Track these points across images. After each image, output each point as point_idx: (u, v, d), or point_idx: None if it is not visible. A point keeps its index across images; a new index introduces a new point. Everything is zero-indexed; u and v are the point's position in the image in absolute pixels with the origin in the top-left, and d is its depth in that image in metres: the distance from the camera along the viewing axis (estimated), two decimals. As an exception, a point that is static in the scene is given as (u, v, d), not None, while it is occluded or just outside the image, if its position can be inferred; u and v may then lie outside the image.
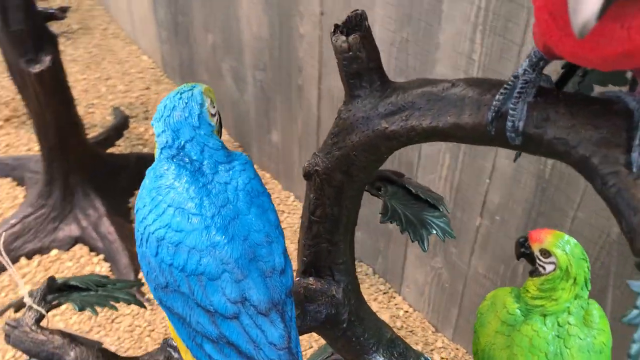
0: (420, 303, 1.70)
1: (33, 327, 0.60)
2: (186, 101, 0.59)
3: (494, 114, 0.50)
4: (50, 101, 1.65)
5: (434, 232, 0.75)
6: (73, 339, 0.60)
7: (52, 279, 0.66)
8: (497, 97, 0.50)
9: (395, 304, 1.74)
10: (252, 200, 0.57)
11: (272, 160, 2.13)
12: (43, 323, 0.62)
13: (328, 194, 0.66)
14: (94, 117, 2.49)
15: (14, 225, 1.82)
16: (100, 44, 2.98)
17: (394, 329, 1.65)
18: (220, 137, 0.64)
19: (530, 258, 0.80)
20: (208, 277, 0.54)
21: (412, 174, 1.50)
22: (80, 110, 2.48)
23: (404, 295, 1.75)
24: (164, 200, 0.56)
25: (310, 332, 0.73)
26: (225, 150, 0.60)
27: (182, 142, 0.57)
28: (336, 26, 0.59)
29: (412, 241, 0.74)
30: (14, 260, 1.79)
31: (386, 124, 0.57)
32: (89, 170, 1.90)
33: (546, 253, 0.78)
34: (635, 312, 0.47)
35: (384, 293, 1.77)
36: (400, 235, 1.62)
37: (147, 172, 0.59)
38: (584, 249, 0.79)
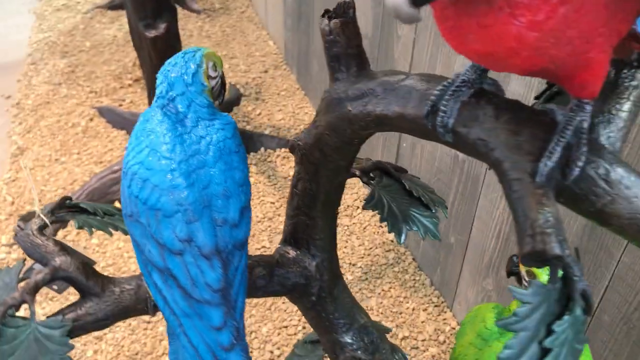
0: (467, 322, 1.67)
1: (35, 232, 0.71)
2: (186, 60, 0.66)
3: (429, 109, 0.52)
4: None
5: (415, 229, 0.76)
6: (64, 248, 0.70)
7: (65, 198, 0.76)
8: (434, 92, 0.52)
9: (444, 319, 1.72)
10: (221, 156, 0.63)
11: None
12: (47, 233, 0.72)
13: (307, 169, 0.70)
14: (212, 90, 2.67)
15: (115, 172, 2.03)
16: (234, 24, 3.19)
17: (437, 343, 1.64)
18: (221, 98, 0.71)
19: (518, 277, 0.79)
20: (163, 214, 0.61)
21: (476, 189, 1.49)
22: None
23: (455, 311, 1.73)
24: (144, 141, 0.63)
25: (278, 295, 0.78)
26: (211, 110, 0.66)
27: (174, 95, 0.65)
28: (326, 11, 0.63)
29: (389, 232, 0.76)
30: (111, 203, 2.00)
31: (350, 107, 0.60)
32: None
33: (532, 275, 0.77)
34: (513, 318, 0.47)
35: (436, 306, 1.76)
36: (461, 249, 1.61)
37: (140, 115, 0.67)
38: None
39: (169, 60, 0.68)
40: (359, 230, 2.00)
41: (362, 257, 1.90)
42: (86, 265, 0.70)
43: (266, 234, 1.96)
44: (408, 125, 0.55)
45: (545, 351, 0.48)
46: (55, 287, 0.81)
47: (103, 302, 0.70)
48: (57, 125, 2.41)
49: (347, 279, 1.83)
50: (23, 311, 0.66)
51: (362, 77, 0.61)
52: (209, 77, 0.67)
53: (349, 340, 0.81)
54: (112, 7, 3.26)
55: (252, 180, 2.15)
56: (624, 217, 0.48)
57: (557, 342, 0.48)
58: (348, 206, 2.08)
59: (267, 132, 2.41)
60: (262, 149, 2.32)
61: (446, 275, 1.73)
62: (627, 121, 0.52)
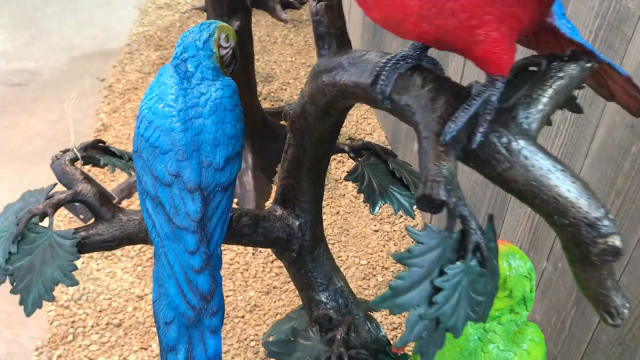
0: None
1: (67, 162, 0.85)
2: (201, 29, 0.78)
3: (373, 78, 0.61)
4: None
5: (389, 203, 0.84)
6: (87, 178, 0.84)
7: (98, 140, 0.90)
8: (379, 64, 0.61)
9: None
10: (216, 111, 0.74)
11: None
12: (77, 165, 0.86)
13: (295, 136, 0.80)
14: (284, 93, 2.83)
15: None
16: (317, 36, 3.34)
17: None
18: (232, 67, 0.83)
19: (483, 263, 0.85)
20: (160, 151, 0.72)
21: (504, 205, 1.52)
22: (276, 84, 2.85)
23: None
24: (155, 90, 0.75)
25: (261, 246, 0.88)
26: (216, 72, 0.78)
27: (186, 57, 0.77)
28: (318, -5, 0.73)
29: (364, 202, 0.84)
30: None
31: (324, 79, 0.70)
32: (251, 127, 2.20)
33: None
34: (407, 253, 0.54)
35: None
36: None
37: (159, 69, 0.79)
38: (534, 271, 0.82)
39: (189, 29, 0.80)
40: (397, 237, 2.06)
41: (396, 263, 1.96)
42: (102, 194, 0.83)
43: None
44: (362, 93, 0.64)
45: (437, 290, 0.55)
46: (81, 216, 0.94)
47: (111, 227, 0.83)
48: (140, 109, 2.64)
49: (377, 280, 1.89)
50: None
51: (339, 53, 0.71)
52: (220, 46, 0.79)
53: (324, 299, 0.90)
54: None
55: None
56: (520, 182, 0.54)
57: (448, 284, 0.55)
58: (391, 214, 2.15)
59: (328, 136, 2.52)
60: (320, 151, 2.43)
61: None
62: (547, 106, 0.58)
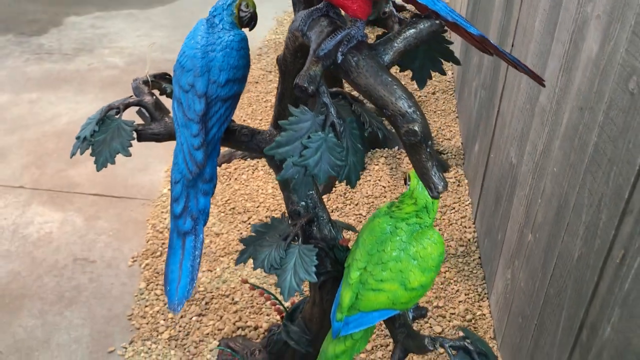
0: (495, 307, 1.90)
1: (141, 82, 1.28)
2: (224, 6, 1.17)
3: (303, 24, 0.95)
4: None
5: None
6: (152, 94, 1.26)
7: (165, 73, 1.32)
8: (305, 14, 0.95)
9: (479, 305, 1.96)
10: (224, 48, 1.12)
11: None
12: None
13: (280, 76, 1.16)
14: (381, 97, 3.17)
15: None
16: (425, 53, 3.64)
17: (462, 319, 1.91)
18: (251, 25, 1.20)
19: (405, 182, 1.14)
20: (185, 69, 1.11)
21: (513, 189, 1.75)
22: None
23: (491, 302, 1.96)
24: (191, 34, 1.15)
25: (255, 152, 1.23)
26: (233, 26, 1.15)
27: (215, 14, 1.15)
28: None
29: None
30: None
31: (292, 29, 1.05)
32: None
33: (409, 178, 1.12)
34: (285, 121, 0.88)
35: (478, 294, 2.00)
36: (500, 247, 1.85)
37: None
38: (439, 189, 1.10)
39: (221, -1, 1.20)
40: (444, 225, 2.30)
41: (436, 244, 2.21)
42: (157, 102, 1.24)
43: (367, 207, 2.38)
44: (300, 35, 0.99)
45: (306, 148, 0.88)
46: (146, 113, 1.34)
47: (159, 125, 1.24)
48: (256, 98, 3.13)
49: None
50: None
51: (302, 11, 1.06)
52: (240, 10, 1.17)
53: (296, 199, 1.24)
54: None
55: (376, 168, 2.58)
56: (362, 86, 0.86)
57: (313, 145, 0.88)
58: (445, 205, 2.39)
59: (408, 136, 2.82)
60: (397, 147, 2.73)
61: (492, 269, 1.97)
62: (399, 44, 0.89)
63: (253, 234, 1.22)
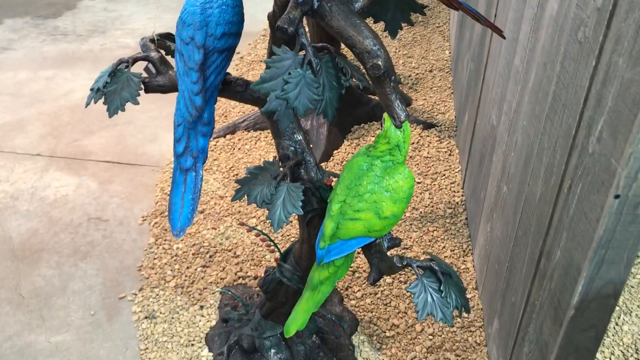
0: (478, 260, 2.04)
1: (147, 41, 1.43)
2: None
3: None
4: (323, 36, 2.51)
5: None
6: (157, 50, 1.41)
7: (169, 33, 1.47)
8: None
9: (464, 260, 2.10)
10: (221, 6, 1.26)
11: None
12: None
13: (271, 33, 1.30)
14: (380, 75, 3.30)
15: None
16: (425, 34, 3.76)
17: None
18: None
19: (381, 125, 1.28)
20: (186, 24, 1.26)
21: (493, 148, 1.88)
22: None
23: (474, 257, 2.10)
24: (191, -4, 1.30)
25: (249, 103, 1.38)
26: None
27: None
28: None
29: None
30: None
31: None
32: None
33: (384, 120, 1.26)
34: (270, 59, 1.02)
35: (463, 250, 2.14)
36: (482, 205, 1.99)
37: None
38: (409, 131, 1.24)
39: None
40: (434, 190, 2.44)
41: (426, 207, 2.35)
42: (162, 58, 1.39)
43: (362, 173, 2.52)
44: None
45: (287, 83, 1.02)
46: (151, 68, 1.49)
47: (164, 78, 1.39)
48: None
49: (405, 216, 2.30)
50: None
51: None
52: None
53: (286, 145, 1.38)
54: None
55: (373, 138, 2.72)
56: (335, 27, 1.00)
57: (293, 80, 1.02)
58: (436, 172, 2.53)
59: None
60: (393, 120, 2.87)
61: (475, 226, 2.11)
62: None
63: (248, 175, 1.37)
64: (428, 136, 2.78)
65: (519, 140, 1.60)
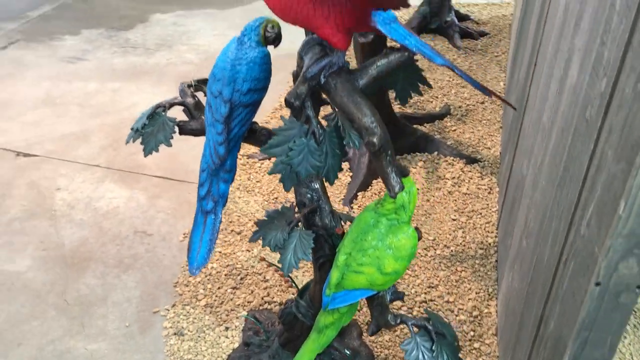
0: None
1: (185, 86, 1.54)
2: (256, 20, 1.40)
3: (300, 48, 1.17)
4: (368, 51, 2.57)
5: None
6: (193, 96, 1.52)
7: (206, 79, 1.58)
8: (305, 40, 1.17)
9: (487, 304, 2.12)
10: (248, 63, 1.35)
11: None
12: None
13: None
14: (429, 105, 3.34)
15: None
16: (482, 63, 3.76)
17: (469, 315, 2.08)
18: (276, 43, 1.43)
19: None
20: (216, 78, 1.36)
21: (520, 195, 1.90)
22: (426, 97, 3.37)
23: (498, 301, 2.11)
24: (225, 49, 1.40)
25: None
26: (259, 44, 1.38)
27: (244, 33, 1.39)
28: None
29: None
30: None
31: (298, 55, 1.28)
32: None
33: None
34: (279, 127, 1.11)
35: (488, 294, 2.16)
36: (507, 256, 2.01)
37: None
38: (415, 192, 1.30)
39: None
40: (468, 228, 2.46)
41: (458, 245, 2.38)
42: (197, 104, 1.51)
43: (399, 205, 2.57)
44: (300, 60, 1.21)
45: (291, 150, 1.11)
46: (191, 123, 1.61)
47: (196, 123, 1.50)
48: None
49: (435, 252, 2.34)
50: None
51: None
52: (266, 31, 1.41)
53: (303, 192, 1.46)
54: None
55: (413, 171, 2.77)
56: (338, 103, 1.08)
57: (297, 148, 1.11)
58: (473, 210, 2.55)
59: (449, 142, 2.98)
60: (436, 152, 2.90)
61: (501, 272, 2.13)
62: (373, 71, 1.10)
63: (266, 218, 1.46)
64: (470, 171, 2.80)
65: (538, 199, 1.62)
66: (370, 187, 2.69)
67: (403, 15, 4.40)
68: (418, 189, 2.68)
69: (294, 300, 1.71)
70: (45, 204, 2.60)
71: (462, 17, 4.26)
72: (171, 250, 2.35)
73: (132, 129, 1.51)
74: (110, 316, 2.07)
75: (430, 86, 1.23)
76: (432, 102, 3.37)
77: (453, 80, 3.57)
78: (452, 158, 2.87)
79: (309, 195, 1.47)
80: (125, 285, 2.19)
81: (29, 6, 4.51)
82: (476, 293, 2.16)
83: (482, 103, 3.34)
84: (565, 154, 1.35)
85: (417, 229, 1.39)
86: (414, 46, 1.11)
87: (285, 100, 1.08)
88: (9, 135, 3.05)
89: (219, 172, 1.39)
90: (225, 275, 2.22)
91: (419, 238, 1.37)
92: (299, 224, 1.42)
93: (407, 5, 0.97)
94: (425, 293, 2.16)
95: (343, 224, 1.52)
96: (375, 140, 1.04)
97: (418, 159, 2.86)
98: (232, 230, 2.43)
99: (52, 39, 4.06)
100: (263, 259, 1.73)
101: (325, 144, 1.12)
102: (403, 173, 1.11)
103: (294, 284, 1.73)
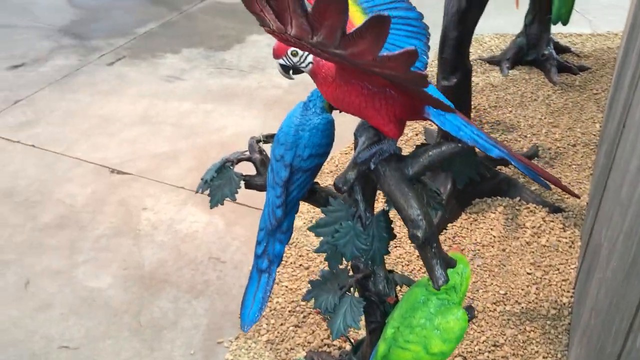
0: None
1: (254, 141, 1.59)
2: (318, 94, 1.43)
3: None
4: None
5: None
6: (260, 152, 1.57)
7: (268, 135, 1.62)
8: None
9: (556, 372, 2.03)
10: (311, 129, 1.37)
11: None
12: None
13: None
14: (517, 144, 3.23)
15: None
16: (579, 102, 3.58)
17: None
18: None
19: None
20: (279, 143, 1.40)
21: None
22: (514, 135, 3.26)
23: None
24: (290, 114, 1.43)
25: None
26: (323, 110, 1.41)
27: (311, 99, 1.42)
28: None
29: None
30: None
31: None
32: (457, 162, 2.73)
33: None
34: (327, 208, 1.12)
35: (556, 358, 2.07)
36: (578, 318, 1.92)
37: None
38: (468, 273, 1.27)
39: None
40: (543, 285, 2.37)
41: (529, 302, 2.29)
42: (263, 161, 1.56)
43: (471, 254, 2.51)
44: (355, 139, 1.23)
45: (337, 232, 1.12)
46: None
47: (262, 179, 1.55)
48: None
49: (504, 308, 2.27)
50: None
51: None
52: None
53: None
54: (490, 61, 4.04)
55: (492, 216, 2.69)
56: (386, 191, 1.08)
57: (342, 230, 1.12)
58: (550, 265, 2.45)
59: (532, 188, 2.87)
60: (518, 198, 2.81)
61: (572, 339, 2.03)
62: (424, 161, 1.10)
63: (319, 278, 1.49)
64: (552, 221, 2.68)
65: (609, 278, 1.54)
66: (444, 231, 2.65)
67: (499, 44, 4.29)
68: (494, 237, 2.61)
69: (348, 353, 1.73)
70: (131, 223, 2.76)
71: (562, 49, 4.08)
72: (240, 279, 2.43)
73: (202, 179, 1.58)
74: (177, 342, 2.17)
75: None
76: (520, 141, 3.26)
77: (545, 118, 3.43)
78: (534, 205, 2.76)
79: (363, 259, 1.48)
80: (194, 312, 2.29)
81: (138, 23, 4.80)
82: (543, 357, 2.07)
83: (574, 146, 3.19)
84: (635, 244, 1.27)
85: (469, 307, 1.36)
86: (469, 138, 1.09)
87: (334, 184, 1.10)
88: (107, 152, 3.27)
89: (275, 233, 1.43)
90: (289, 311, 2.26)
91: (471, 318, 1.34)
92: (351, 289, 1.43)
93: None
94: (490, 352, 2.10)
95: (399, 287, 1.51)
96: (419, 234, 1.03)
97: (498, 203, 2.78)
98: (300, 265, 2.48)
99: (155, 56, 4.30)
100: (318, 313, 1.75)
101: (372, 228, 1.13)
102: (449, 265, 1.10)
103: (348, 340, 1.74)
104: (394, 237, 1.17)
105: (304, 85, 3.76)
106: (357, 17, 1.12)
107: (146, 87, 3.90)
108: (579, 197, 1.23)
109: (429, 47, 1.18)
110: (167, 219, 2.78)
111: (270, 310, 2.26)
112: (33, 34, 4.66)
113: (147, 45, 4.46)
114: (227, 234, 2.69)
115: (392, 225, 1.15)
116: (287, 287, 2.37)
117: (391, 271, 1.51)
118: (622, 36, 3.73)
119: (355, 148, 1.21)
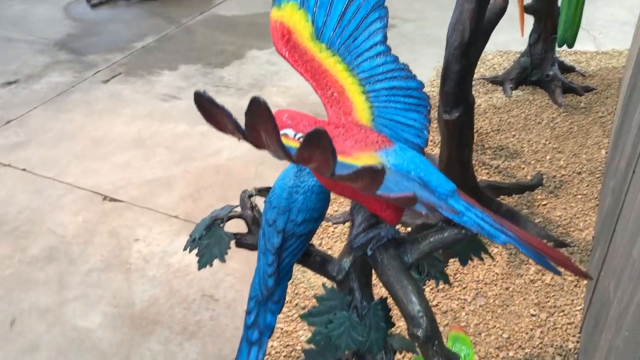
0: None
1: (246, 196, 1.51)
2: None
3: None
4: (450, 142, 2.46)
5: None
6: (252, 209, 1.48)
7: (268, 187, 1.54)
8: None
9: None
10: (305, 192, 1.29)
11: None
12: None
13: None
14: (520, 171, 3.14)
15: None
16: (585, 125, 3.49)
17: None
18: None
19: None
20: (271, 206, 1.31)
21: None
22: (517, 162, 3.18)
23: None
24: (283, 175, 1.34)
25: (325, 277, 1.40)
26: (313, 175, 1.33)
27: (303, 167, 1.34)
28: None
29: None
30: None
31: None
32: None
33: (447, 339, 1.22)
34: (322, 296, 1.04)
35: None
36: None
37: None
38: (472, 357, 1.19)
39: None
40: (547, 328, 2.28)
41: (534, 347, 2.21)
42: (255, 218, 1.47)
43: (473, 293, 2.43)
44: (350, 217, 1.14)
45: (331, 322, 1.04)
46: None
47: (254, 238, 1.46)
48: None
49: (507, 354, 2.18)
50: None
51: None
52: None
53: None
54: (493, 81, 3.96)
55: (495, 251, 2.60)
56: (384, 281, 1.00)
57: (337, 321, 1.04)
58: (555, 306, 2.36)
59: (537, 220, 2.79)
60: (522, 231, 2.71)
61: (581, 393, 1.94)
62: (425, 247, 1.01)
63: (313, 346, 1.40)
64: (557, 257, 2.59)
65: (620, 346, 1.45)
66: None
67: (502, 62, 4.20)
68: (497, 274, 2.52)
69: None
70: (122, 255, 2.67)
71: (567, 69, 4.00)
72: (234, 320, 2.35)
73: (190, 236, 1.49)
74: (167, 389, 2.09)
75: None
76: (524, 168, 3.17)
77: (549, 143, 3.34)
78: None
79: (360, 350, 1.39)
80: (186, 356, 2.21)
81: (135, 37, 4.71)
82: None
83: (579, 174, 3.10)
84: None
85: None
86: (474, 223, 1.00)
87: (328, 273, 1.02)
88: (100, 177, 3.18)
89: (267, 303, 1.34)
90: (284, 356, 2.18)
91: None
92: (348, 361, 1.35)
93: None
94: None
95: (399, 353, 1.43)
96: (419, 334, 0.95)
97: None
98: (296, 304, 2.39)
99: (151, 73, 4.21)
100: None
101: (369, 318, 1.04)
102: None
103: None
104: (392, 325, 1.09)
105: (303, 106, 3.68)
106: (353, 91, 1.04)
107: (141, 106, 3.82)
108: (591, 279, 1.13)
109: (429, 121, 1.10)
110: (159, 252, 2.69)
111: (268, 358, 2.18)
112: (28, 48, 4.58)
113: (144, 61, 4.38)
114: (220, 268, 2.60)
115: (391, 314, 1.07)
116: (282, 329, 2.29)
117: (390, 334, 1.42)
118: (627, 60, 3.65)
119: (351, 226, 1.13)
